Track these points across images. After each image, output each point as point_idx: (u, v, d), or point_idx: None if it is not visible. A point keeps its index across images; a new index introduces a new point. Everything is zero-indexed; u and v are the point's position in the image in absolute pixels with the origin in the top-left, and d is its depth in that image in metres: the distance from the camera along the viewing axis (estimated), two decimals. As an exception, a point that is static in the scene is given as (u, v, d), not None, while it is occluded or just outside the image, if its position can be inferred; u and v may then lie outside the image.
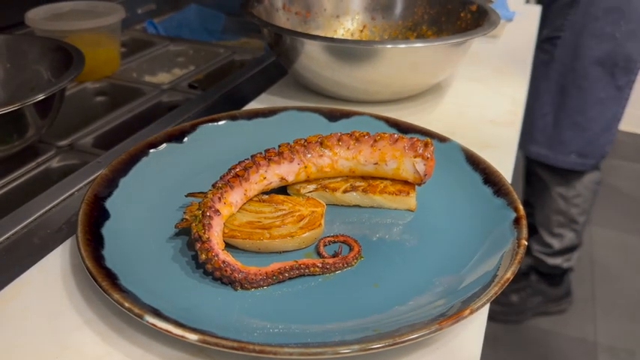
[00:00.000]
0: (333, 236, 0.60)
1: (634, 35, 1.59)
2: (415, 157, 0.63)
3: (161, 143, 0.71)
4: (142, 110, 0.97)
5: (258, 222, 0.59)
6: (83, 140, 0.86)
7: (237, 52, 1.24)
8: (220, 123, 0.77)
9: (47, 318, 0.51)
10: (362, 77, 0.87)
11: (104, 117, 0.92)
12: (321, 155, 0.64)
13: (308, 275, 0.55)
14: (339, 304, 0.52)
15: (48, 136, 0.83)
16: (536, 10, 1.53)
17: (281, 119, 0.79)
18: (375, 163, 0.64)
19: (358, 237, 0.60)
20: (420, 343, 0.49)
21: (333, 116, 0.79)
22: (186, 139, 0.73)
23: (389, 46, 0.83)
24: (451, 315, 0.47)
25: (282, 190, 0.65)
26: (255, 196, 0.62)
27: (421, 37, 1.08)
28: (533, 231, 1.98)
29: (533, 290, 2.04)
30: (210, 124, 0.76)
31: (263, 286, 0.53)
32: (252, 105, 0.93)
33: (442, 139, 0.72)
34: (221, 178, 0.61)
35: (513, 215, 0.59)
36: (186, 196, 0.62)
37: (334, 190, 0.64)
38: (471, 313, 0.47)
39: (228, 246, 0.56)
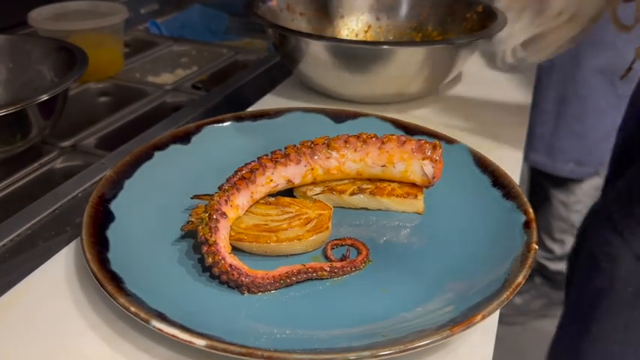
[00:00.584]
0: (340, 239, 0.59)
1: (634, 44, 1.58)
2: (423, 159, 0.62)
3: (166, 144, 0.70)
4: (145, 111, 0.97)
5: (265, 225, 0.58)
6: (86, 141, 0.85)
7: (240, 52, 1.24)
8: (225, 124, 0.76)
9: (51, 322, 0.51)
10: (367, 78, 0.86)
11: (107, 118, 0.92)
12: (328, 157, 0.63)
13: (315, 279, 0.54)
14: (347, 309, 0.51)
15: (51, 137, 0.82)
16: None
17: (286, 120, 0.78)
18: (383, 166, 0.63)
19: (366, 240, 0.59)
20: (430, 348, 0.48)
21: (338, 117, 0.78)
22: (191, 140, 0.72)
23: (394, 47, 0.82)
24: (462, 320, 0.46)
25: (289, 192, 0.65)
26: (262, 198, 0.62)
27: (426, 37, 1.07)
28: None
29: (538, 292, 2.03)
30: (215, 125, 0.75)
31: (270, 290, 0.52)
32: (257, 106, 0.93)
33: (450, 141, 0.71)
34: (227, 180, 0.60)
35: (523, 218, 0.58)
36: (192, 198, 0.61)
37: (341, 192, 0.64)
38: (483, 318, 0.46)
39: (235, 249, 0.56)
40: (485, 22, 0.94)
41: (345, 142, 0.64)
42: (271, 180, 0.61)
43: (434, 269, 0.56)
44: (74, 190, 0.69)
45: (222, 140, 0.74)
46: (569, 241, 1.92)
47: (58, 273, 0.56)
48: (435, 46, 0.84)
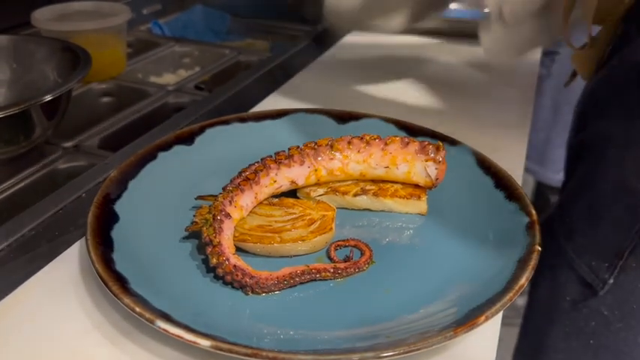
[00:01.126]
0: (344, 240, 0.59)
1: None
2: (427, 160, 0.62)
3: (170, 145, 0.70)
4: (148, 111, 0.97)
5: (269, 226, 0.58)
6: (89, 141, 0.85)
7: (242, 53, 1.24)
8: (229, 125, 0.76)
9: (56, 322, 0.51)
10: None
11: (110, 118, 0.92)
12: (332, 158, 0.63)
13: (319, 280, 0.54)
14: (350, 310, 0.51)
15: (54, 137, 0.82)
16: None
17: (290, 121, 0.78)
18: (386, 167, 0.63)
19: (369, 241, 0.59)
20: (433, 350, 0.48)
21: (342, 118, 0.78)
22: (195, 141, 0.72)
23: None
24: (466, 322, 0.46)
25: (292, 193, 0.65)
26: (265, 199, 0.62)
27: None
28: None
29: None
30: (218, 125, 0.75)
31: (274, 291, 0.53)
32: (260, 107, 0.93)
33: (452, 142, 0.72)
34: (231, 181, 0.60)
35: (526, 220, 0.58)
36: (196, 199, 0.62)
37: (344, 193, 0.64)
38: (486, 320, 0.46)
39: (239, 250, 0.56)
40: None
41: (349, 143, 0.64)
42: (275, 181, 0.61)
43: (437, 270, 0.56)
44: (78, 191, 0.69)
45: (226, 141, 0.74)
46: None
47: (62, 273, 0.56)
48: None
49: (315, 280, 0.54)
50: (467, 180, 0.67)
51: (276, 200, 0.62)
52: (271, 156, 0.63)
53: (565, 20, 0.74)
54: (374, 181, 0.65)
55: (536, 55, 1.20)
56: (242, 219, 0.58)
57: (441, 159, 0.62)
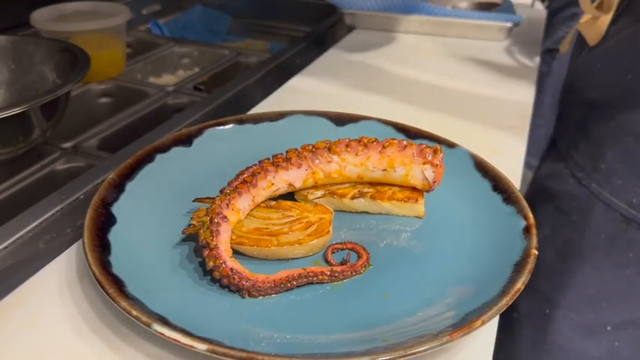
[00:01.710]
0: (341, 243, 0.59)
1: None
2: (424, 163, 0.62)
3: (168, 147, 0.70)
4: (146, 112, 0.97)
5: (266, 228, 0.58)
6: (88, 142, 0.85)
7: (242, 53, 1.24)
8: (227, 127, 0.76)
9: (52, 325, 0.51)
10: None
11: (109, 119, 0.92)
12: (329, 161, 0.63)
13: (316, 283, 0.54)
14: (347, 314, 0.51)
15: (53, 138, 0.82)
16: (543, 14, 1.53)
17: (288, 123, 0.78)
18: (384, 170, 0.63)
19: (366, 244, 0.59)
20: (429, 353, 0.48)
21: (340, 121, 0.78)
22: (193, 143, 0.73)
23: None
24: (462, 326, 0.46)
25: (290, 195, 0.65)
26: (263, 202, 0.62)
27: None
28: None
29: None
30: (217, 127, 0.76)
31: (271, 294, 0.53)
32: (259, 108, 0.93)
33: (450, 145, 0.72)
34: (229, 184, 0.60)
35: (523, 223, 0.58)
36: (193, 201, 0.62)
37: (342, 196, 0.64)
38: (482, 324, 0.46)
39: (236, 253, 0.56)
40: None
41: (347, 146, 0.64)
42: (272, 184, 0.61)
43: (434, 274, 0.56)
44: (76, 192, 0.69)
45: (224, 143, 0.74)
46: None
47: (59, 276, 0.56)
48: None
49: (311, 283, 0.54)
50: (464, 183, 0.67)
51: (273, 203, 0.62)
52: (269, 158, 0.63)
53: None
54: (371, 183, 0.65)
55: (536, 57, 1.20)
56: (239, 222, 0.58)
57: (438, 162, 0.62)
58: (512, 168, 0.75)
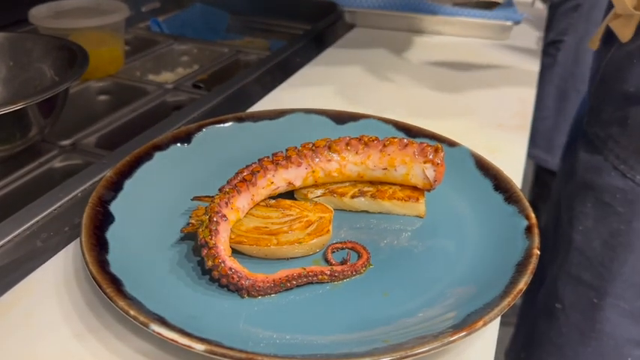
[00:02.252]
0: (341, 242, 0.59)
1: None
2: (425, 162, 0.61)
3: (167, 145, 0.70)
4: (145, 110, 0.97)
5: (266, 227, 0.58)
6: (86, 140, 0.85)
7: (241, 51, 1.23)
8: (226, 125, 0.76)
9: (49, 324, 0.50)
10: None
11: (107, 116, 0.91)
12: (330, 160, 0.63)
13: (316, 283, 0.54)
14: (347, 314, 0.51)
15: (50, 136, 0.82)
16: (543, 13, 1.52)
17: (287, 121, 0.77)
18: (384, 169, 0.63)
19: (366, 243, 0.59)
20: (430, 354, 0.48)
21: (340, 119, 0.78)
22: (192, 140, 0.72)
23: None
24: (463, 327, 0.45)
25: (289, 194, 0.64)
26: (262, 200, 0.61)
27: None
28: None
29: None
30: (216, 125, 0.75)
31: (270, 294, 0.52)
32: (258, 106, 0.92)
33: (451, 144, 0.71)
34: (228, 182, 0.60)
35: (525, 223, 0.58)
36: (192, 200, 0.61)
37: (342, 195, 0.63)
38: (484, 325, 0.46)
39: (235, 252, 0.55)
40: None
41: (347, 144, 0.63)
42: (272, 182, 0.61)
43: (435, 274, 0.55)
44: (74, 190, 0.68)
45: (223, 141, 0.73)
46: None
47: (56, 275, 0.56)
48: None
49: (311, 283, 0.53)
50: (465, 182, 0.66)
51: (273, 202, 0.62)
52: (268, 157, 0.63)
53: None
54: (372, 182, 0.65)
55: (537, 56, 1.19)
56: (238, 221, 0.58)
57: (439, 161, 0.61)
58: (514, 167, 0.75)
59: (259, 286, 0.51)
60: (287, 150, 0.63)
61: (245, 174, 0.60)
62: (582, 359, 0.96)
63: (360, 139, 0.63)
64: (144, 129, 0.83)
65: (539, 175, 1.96)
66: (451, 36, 1.27)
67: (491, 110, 0.93)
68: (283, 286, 0.52)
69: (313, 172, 0.62)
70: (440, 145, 0.62)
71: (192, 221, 0.58)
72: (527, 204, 0.60)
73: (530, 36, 1.31)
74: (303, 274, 0.53)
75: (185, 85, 1.05)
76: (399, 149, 0.62)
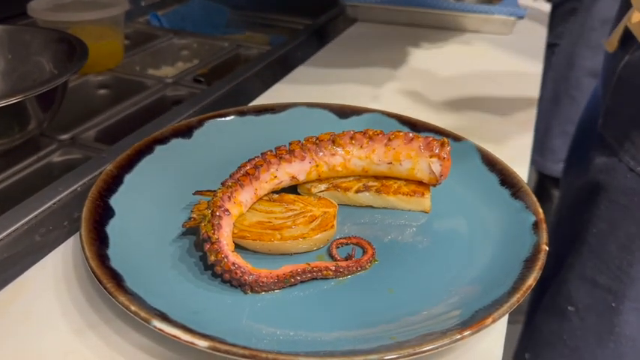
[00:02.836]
0: (346, 238, 0.58)
1: None
2: (431, 157, 0.60)
3: (168, 138, 0.69)
4: (145, 104, 0.96)
5: (269, 222, 0.57)
6: (85, 134, 0.84)
7: (242, 46, 1.22)
8: (228, 118, 0.75)
9: (48, 320, 0.49)
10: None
11: (107, 111, 0.90)
12: (334, 154, 0.62)
13: (320, 279, 0.53)
14: (352, 310, 0.50)
15: (49, 130, 0.81)
16: (547, 8, 1.51)
17: (290, 115, 0.76)
18: (389, 163, 0.62)
19: (371, 239, 0.58)
20: (437, 352, 0.47)
21: (343, 113, 0.77)
22: (193, 134, 0.71)
23: None
24: (472, 324, 0.44)
25: (293, 189, 0.63)
26: (265, 195, 0.60)
27: None
28: None
29: None
30: (217, 119, 0.74)
31: (274, 290, 0.51)
32: (259, 100, 0.91)
33: (457, 138, 0.70)
34: (231, 176, 0.59)
35: (533, 218, 0.57)
36: (194, 194, 0.60)
37: (346, 189, 0.62)
38: (493, 322, 0.45)
39: (238, 247, 0.54)
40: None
41: (351, 138, 0.62)
42: (275, 176, 0.60)
43: (442, 270, 0.54)
44: (73, 184, 0.67)
45: (225, 135, 0.72)
46: None
47: (55, 269, 0.55)
48: None
49: (316, 278, 0.52)
50: (471, 177, 0.65)
51: (276, 196, 0.61)
52: (272, 151, 0.62)
53: None
54: (376, 177, 0.64)
55: (541, 50, 1.18)
56: (241, 215, 0.57)
57: (445, 155, 0.60)
58: (519, 162, 0.74)
59: (263, 282, 0.50)
60: (290, 144, 0.62)
61: (248, 168, 0.59)
62: None
63: (364, 133, 0.62)
64: (143, 123, 0.82)
65: (539, 178, 1.96)
66: (454, 30, 1.26)
67: (496, 105, 0.92)
68: (287, 282, 0.51)
69: (317, 166, 0.62)
70: (446, 139, 0.61)
71: (194, 215, 0.57)
72: (534, 199, 0.59)
73: (534, 31, 1.30)
74: (308, 269, 0.52)
75: (185, 80, 1.04)
76: (405, 143, 0.61)
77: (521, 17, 1.24)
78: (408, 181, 0.63)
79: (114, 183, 0.61)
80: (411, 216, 0.62)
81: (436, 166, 0.61)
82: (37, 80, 0.84)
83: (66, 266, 0.55)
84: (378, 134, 0.62)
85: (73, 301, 0.51)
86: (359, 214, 0.62)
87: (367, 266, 0.54)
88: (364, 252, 0.56)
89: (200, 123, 0.73)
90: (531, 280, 0.49)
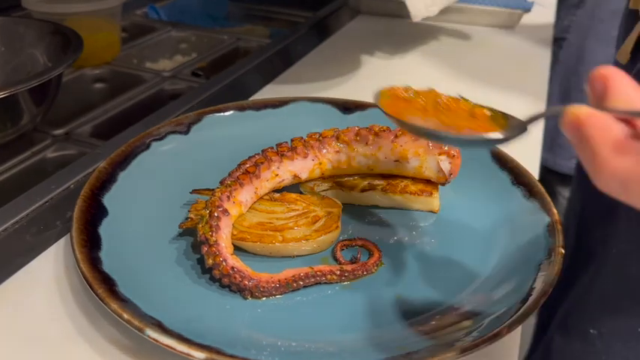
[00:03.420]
0: (350, 239, 0.55)
1: None
2: (440, 154, 0.58)
3: (164, 134, 0.67)
4: (142, 98, 0.94)
5: (270, 223, 0.54)
6: (80, 129, 0.82)
7: (241, 39, 1.20)
8: (227, 113, 0.72)
9: (36, 326, 0.47)
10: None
11: (103, 105, 0.88)
12: (338, 151, 0.59)
13: (324, 283, 0.50)
14: (358, 317, 0.48)
15: (43, 125, 0.79)
16: (553, 1, 1.49)
17: (292, 110, 0.74)
18: (396, 161, 0.59)
19: (377, 240, 0.56)
20: None
21: (347, 108, 0.74)
22: (191, 130, 0.69)
23: None
24: (486, 334, 0.42)
25: (295, 187, 0.61)
26: (266, 194, 0.58)
27: None
28: None
29: None
30: (216, 114, 0.72)
31: (275, 295, 0.49)
32: (259, 95, 0.90)
33: (465, 135, 0.67)
34: (230, 174, 0.57)
35: (547, 219, 0.54)
36: (191, 192, 0.58)
37: (351, 188, 0.60)
38: (508, 332, 0.42)
39: (237, 249, 0.52)
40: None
41: (356, 134, 0.60)
42: (277, 174, 0.58)
43: (451, 275, 0.52)
44: (66, 182, 0.65)
45: (224, 131, 0.70)
46: None
47: (45, 272, 0.53)
48: None
49: (319, 283, 0.50)
50: (482, 176, 0.63)
51: (277, 195, 0.59)
52: (273, 147, 0.60)
53: None
54: (383, 175, 0.62)
55: (547, 43, 1.16)
56: (241, 215, 0.55)
57: (455, 153, 0.58)
58: (529, 160, 0.71)
59: (263, 287, 0.48)
60: (292, 140, 0.60)
61: (248, 166, 0.57)
62: None
63: (370, 129, 0.60)
64: (140, 118, 0.80)
65: (542, 175, 1.94)
66: (459, 23, 1.24)
67: (504, 99, 0.90)
68: (289, 287, 0.49)
69: (320, 163, 0.59)
70: (455, 136, 0.59)
71: (192, 216, 0.55)
72: (548, 199, 0.57)
73: (541, 23, 1.27)
74: (311, 273, 0.49)
75: (183, 73, 1.02)
76: (412, 140, 0.59)
77: (527, 10, 1.22)
78: (415, 179, 0.61)
79: (107, 181, 0.59)
80: (419, 216, 0.60)
81: (445, 164, 0.58)
82: (31, 73, 0.81)
83: (57, 269, 0.53)
84: (384, 130, 0.60)
85: (64, 305, 0.49)
86: (364, 214, 0.60)
87: (374, 270, 0.52)
88: (370, 255, 0.53)
89: (198, 118, 0.70)
90: (547, 287, 0.46)
